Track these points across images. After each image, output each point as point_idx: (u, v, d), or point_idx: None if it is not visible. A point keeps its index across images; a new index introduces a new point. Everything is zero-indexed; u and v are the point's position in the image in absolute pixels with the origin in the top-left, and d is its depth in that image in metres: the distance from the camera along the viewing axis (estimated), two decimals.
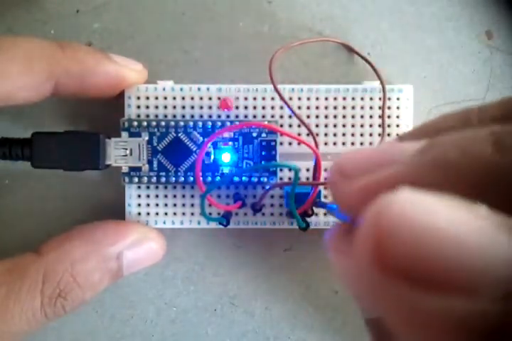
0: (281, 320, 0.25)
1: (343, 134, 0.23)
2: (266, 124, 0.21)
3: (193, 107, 0.23)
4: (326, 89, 0.23)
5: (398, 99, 0.23)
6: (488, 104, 0.12)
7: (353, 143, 0.23)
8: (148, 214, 0.23)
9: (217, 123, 0.22)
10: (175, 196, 0.23)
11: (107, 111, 0.24)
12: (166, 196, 0.23)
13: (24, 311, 0.19)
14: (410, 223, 0.08)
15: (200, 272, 0.25)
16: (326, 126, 0.23)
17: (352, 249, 0.11)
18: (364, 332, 0.13)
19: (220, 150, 0.22)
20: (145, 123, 0.22)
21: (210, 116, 0.23)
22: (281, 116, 0.23)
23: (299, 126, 0.23)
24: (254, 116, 0.23)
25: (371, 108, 0.23)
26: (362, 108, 0.23)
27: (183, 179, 0.22)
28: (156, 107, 0.23)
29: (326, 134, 0.23)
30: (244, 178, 0.22)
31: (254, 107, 0.23)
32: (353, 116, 0.23)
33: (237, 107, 0.23)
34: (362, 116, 0.23)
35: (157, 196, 0.23)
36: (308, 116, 0.23)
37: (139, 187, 0.23)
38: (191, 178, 0.22)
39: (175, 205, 0.23)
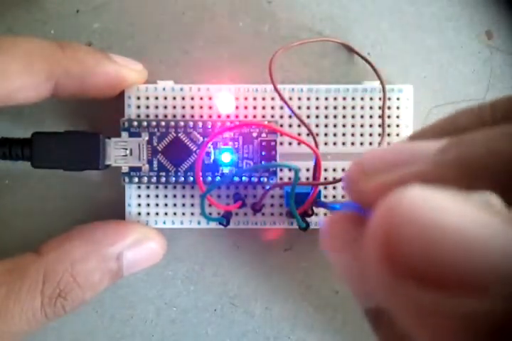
0: (281, 320, 0.25)
1: (343, 134, 0.23)
2: (266, 124, 0.21)
3: (193, 107, 0.23)
4: (326, 89, 0.23)
5: (398, 99, 0.23)
6: (499, 102, 0.11)
7: (353, 143, 0.23)
8: (148, 214, 0.23)
9: (217, 123, 0.22)
10: (175, 196, 0.23)
11: (107, 111, 0.24)
12: (166, 196, 0.23)
13: (24, 311, 0.19)
14: (420, 221, 0.08)
15: (200, 272, 0.25)
16: (326, 126, 0.23)
17: (353, 245, 0.11)
18: (364, 331, 0.13)
19: (220, 151, 0.22)
20: (145, 123, 0.22)
21: (210, 116, 0.23)
22: (281, 116, 0.23)
23: (299, 126, 0.23)
24: (254, 116, 0.23)
25: (371, 108, 0.23)
26: (362, 108, 0.23)
27: (183, 179, 0.22)
28: (156, 107, 0.23)
29: (326, 134, 0.23)
30: (244, 178, 0.22)
31: (254, 107, 0.23)
32: (353, 116, 0.23)
33: (237, 107, 0.23)
34: (362, 116, 0.23)
35: (157, 196, 0.23)
36: (308, 116, 0.23)
37: (139, 187, 0.23)
38: (191, 178, 0.22)
39: (175, 205, 0.23)
